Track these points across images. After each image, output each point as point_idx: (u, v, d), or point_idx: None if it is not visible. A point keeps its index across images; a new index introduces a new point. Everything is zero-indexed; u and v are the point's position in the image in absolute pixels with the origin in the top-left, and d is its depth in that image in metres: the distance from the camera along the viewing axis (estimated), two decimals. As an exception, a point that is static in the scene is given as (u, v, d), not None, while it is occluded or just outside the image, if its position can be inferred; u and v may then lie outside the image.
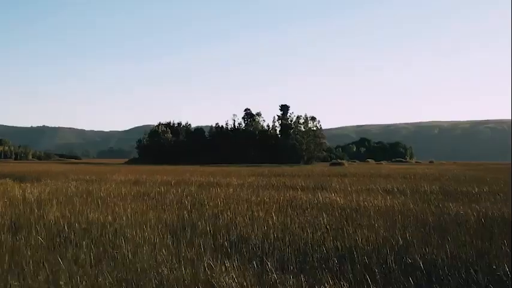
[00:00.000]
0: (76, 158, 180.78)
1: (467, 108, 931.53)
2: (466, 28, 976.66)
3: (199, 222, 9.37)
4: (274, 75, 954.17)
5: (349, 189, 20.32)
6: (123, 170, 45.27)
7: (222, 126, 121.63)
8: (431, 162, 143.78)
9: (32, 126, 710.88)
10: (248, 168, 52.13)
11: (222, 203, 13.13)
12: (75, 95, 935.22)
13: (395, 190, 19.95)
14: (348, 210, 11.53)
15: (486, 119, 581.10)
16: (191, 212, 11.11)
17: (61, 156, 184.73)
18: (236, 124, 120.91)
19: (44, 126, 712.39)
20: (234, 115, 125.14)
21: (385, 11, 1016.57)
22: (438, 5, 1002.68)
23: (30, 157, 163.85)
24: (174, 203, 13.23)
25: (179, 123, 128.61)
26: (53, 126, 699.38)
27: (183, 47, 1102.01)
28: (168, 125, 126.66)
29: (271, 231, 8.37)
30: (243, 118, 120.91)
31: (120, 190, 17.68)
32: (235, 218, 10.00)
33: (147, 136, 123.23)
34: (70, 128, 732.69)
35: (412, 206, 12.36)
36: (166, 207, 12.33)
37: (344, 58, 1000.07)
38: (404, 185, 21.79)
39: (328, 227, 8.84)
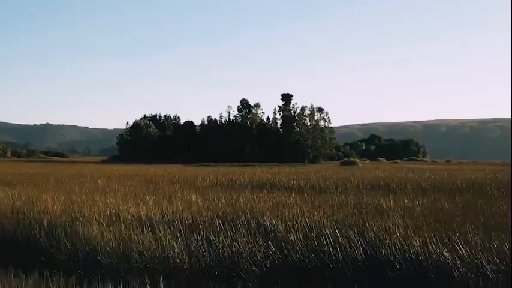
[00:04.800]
0: (62, 155, 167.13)
1: (475, 106, 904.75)
2: (472, 25, 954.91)
3: None
4: (274, 73, 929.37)
5: None
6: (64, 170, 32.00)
7: (215, 119, 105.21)
8: (448, 161, 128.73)
9: (35, 124, 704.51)
10: (230, 169, 38.19)
11: None
12: (79, 92, 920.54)
13: None
14: None
15: (495, 117, 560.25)
16: None
17: (46, 154, 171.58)
18: (231, 117, 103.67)
19: (47, 124, 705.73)
20: (228, 106, 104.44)
21: (388, 9, 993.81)
22: (442, 3, 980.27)
23: (9, 155, 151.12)
24: None
25: (166, 116, 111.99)
26: (56, 124, 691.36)
27: (184, 43, 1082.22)
28: (153, 118, 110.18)
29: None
30: (239, 109, 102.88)
31: None
32: None
33: (128, 130, 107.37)
34: (74, 126, 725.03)
35: None
36: None
37: (347, 55, 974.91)
38: None
39: None
